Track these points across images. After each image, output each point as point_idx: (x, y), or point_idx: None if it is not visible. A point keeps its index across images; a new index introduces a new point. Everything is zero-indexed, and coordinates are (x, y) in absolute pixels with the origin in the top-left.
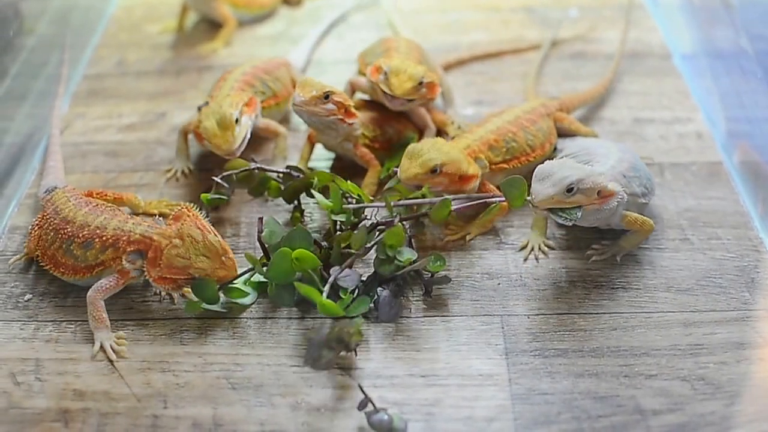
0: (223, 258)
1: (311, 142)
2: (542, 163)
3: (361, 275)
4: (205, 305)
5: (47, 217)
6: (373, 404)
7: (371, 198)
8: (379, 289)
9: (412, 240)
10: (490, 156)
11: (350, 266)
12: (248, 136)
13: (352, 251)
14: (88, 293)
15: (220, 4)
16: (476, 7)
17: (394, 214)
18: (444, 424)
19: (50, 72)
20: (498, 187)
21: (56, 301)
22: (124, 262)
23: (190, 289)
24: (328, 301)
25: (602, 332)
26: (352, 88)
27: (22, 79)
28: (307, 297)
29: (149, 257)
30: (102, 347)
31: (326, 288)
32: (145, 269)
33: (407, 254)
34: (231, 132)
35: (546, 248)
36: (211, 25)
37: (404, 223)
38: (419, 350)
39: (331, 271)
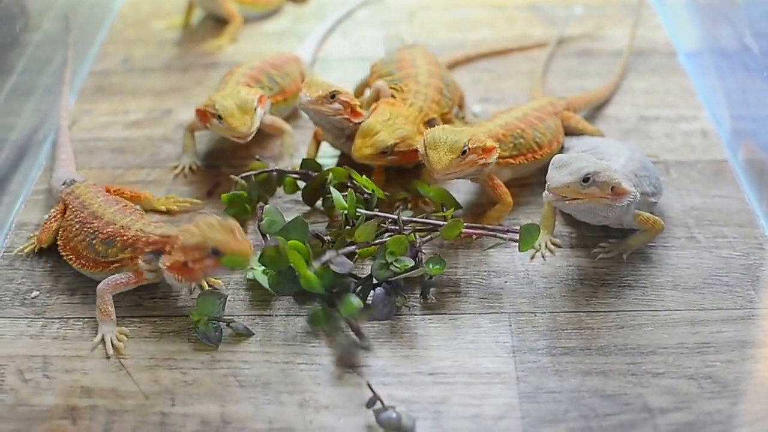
0: (237, 233)
1: (317, 140)
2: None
3: (354, 266)
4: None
5: (73, 209)
6: (382, 402)
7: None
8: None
9: (420, 247)
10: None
11: (350, 255)
12: (257, 126)
13: (356, 242)
14: (99, 285)
15: (225, 0)
16: (481, 4)
17: (405, 227)
18: (452, 422)
19: (56, 68)
20: (506, 184)
21: (64, 298)
22: (140, 262)
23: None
24: (312, 274)
25: (609, 330)
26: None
27: (27, 75)
28: (294, 265)
29: (166, 251)
30: (103, 340)
31: (316, 264)
32: (161, 265)
33: (405, 261)
34: (250, 116)
35: (553, 246)
36: (217, 22)
37: (417, 235)
38: (427, 348)
39: (326, 253)
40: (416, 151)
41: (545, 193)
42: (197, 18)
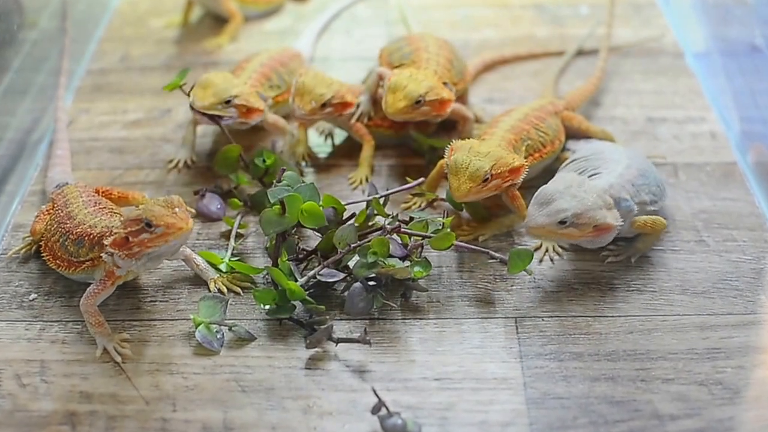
0: (177, 210)
1: (304, 126)
2: (553, 160)
3: (343, 275)
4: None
5: (57, 207)
6: (387, 408)
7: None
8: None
9: (412, 251)
10: None
11: (334, 264)
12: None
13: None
14: (80, 302)
15: None
16: (485, 3)
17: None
18: (458, 429)
19: (52, 66)
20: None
21: (62, 301)
22: (103, 255)
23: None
24: (296, 286)
25: (618, 335)
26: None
27: (23, 74)
28: (277, 282)
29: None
30: (106, 350)
31: (302, 280)
32: (105, 242)
33: (392, 261)
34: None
35: (560, 249)
36: (216, 20)
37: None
38: (432, 353)
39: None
40: (446, 101)
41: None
42: (196, 16)
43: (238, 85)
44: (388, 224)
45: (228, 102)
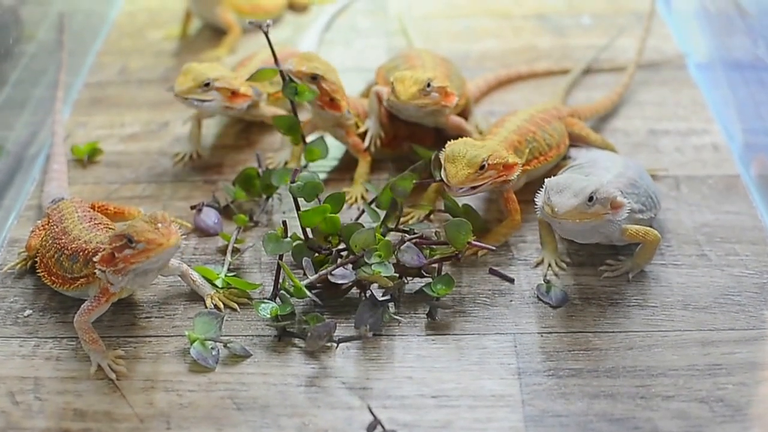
0: (159, 225)
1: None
2: (557, 164)
3: (355, 276)
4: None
5: (52, 223)
6: (383, 426)
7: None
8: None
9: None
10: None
11: (350, 265)
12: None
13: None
14: (74, 319)
15: (224, 10)
16: (487, 14)
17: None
18: None
19: (50, 79)
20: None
21: (57, 317)
22: (97, 272)
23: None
24: (299, 283)
25: (617, 352)
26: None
27: (21, 87)
28: (288, 276)
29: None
30: (100, 367)
31: (313, 276)
32: (95, 259)
33: (380, 268)
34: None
35: (563, 264)
36: (215, 32)
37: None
38: (430, 370)
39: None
40: (450, 93)
41: (548, 215)
42: (195, 28)
43: (220, 69)
44: (409, 234)
45: (207, 85)
